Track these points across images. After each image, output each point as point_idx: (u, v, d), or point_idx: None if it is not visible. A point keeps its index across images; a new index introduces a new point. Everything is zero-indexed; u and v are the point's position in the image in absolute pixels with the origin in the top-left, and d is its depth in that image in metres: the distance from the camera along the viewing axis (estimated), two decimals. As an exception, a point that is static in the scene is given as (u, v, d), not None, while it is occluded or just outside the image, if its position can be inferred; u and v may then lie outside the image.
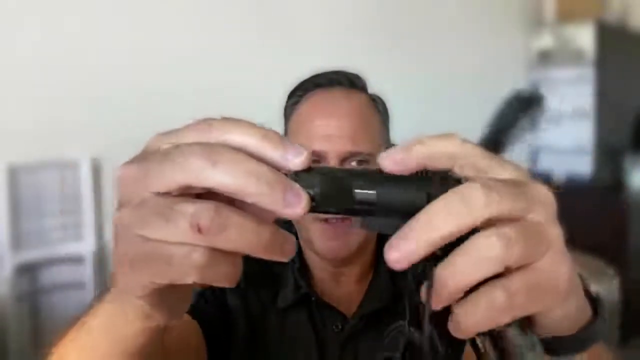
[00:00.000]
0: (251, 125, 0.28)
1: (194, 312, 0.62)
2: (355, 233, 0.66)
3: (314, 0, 2.34)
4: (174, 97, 1.94)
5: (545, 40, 3.27)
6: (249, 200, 0.26)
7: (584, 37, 3.09)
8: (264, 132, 0.28)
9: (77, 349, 0.39)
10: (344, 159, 0.65)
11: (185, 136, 0.28)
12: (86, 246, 1.79)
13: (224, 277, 0.27)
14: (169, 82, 1.93)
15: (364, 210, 0.28)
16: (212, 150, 0.26)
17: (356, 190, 0.28)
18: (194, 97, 1.99)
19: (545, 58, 3.27)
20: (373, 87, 0.74)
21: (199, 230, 0.25)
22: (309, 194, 0.27)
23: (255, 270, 0.66)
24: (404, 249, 0.26)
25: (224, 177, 0.26)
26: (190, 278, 0.26)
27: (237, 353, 0.67)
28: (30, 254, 1.70)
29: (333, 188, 0.28)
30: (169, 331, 0.38)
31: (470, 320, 0.27)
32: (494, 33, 3.11)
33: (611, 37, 3.13)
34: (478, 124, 2.97)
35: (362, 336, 0.68)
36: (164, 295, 0.30)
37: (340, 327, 0.68)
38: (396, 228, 0.27)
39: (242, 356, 0.68)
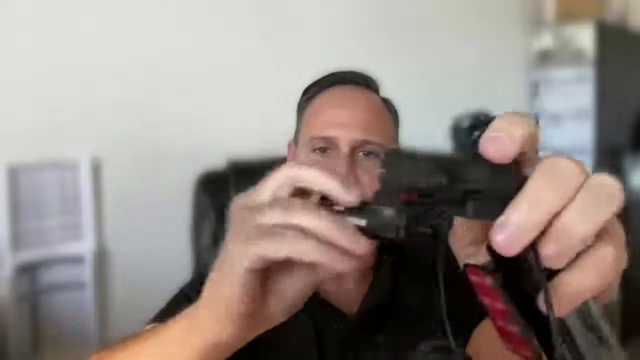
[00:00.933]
0: (314, 170, 0.36)
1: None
2: None
3: (316, 2, 2.34)
4: (174, 98, 1.94)
5: (545, 40, 3.27)
6: (329, 240, 0.34)
7: (584, 37, 3.09)
8: (324, 176, 0.35)
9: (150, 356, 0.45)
10: (355, 147, 0.66)
11: (269, 214, 0.35)
12: (86, 246, 1.79)
13: (316, 253, 0.33)
14: (169, 82, 1.93)
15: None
16: (301, 207, 0.34)
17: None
18: (194, 98, 1.99)
19: (545, 58, 3.27)
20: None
21: (286, 211, 0.34)
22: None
23: None
24: (512, 230, 0.27)
25: (316, 224, 0.33)
26: (286, 251, 0.33)
27: (237, 351, 0.67)
28: (30, 254, 1.70)
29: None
30: None
31: (585, 282, 0.28)
32: (494, 33, 3.11)
33: (611, 37, 3.13)
34: (478, 124, 2.98)
35: (363, 334, 0.68)
36: (253, 306, 0.37)
37: (340, 325, 0.68)
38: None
39: (242, 354, 0.68)
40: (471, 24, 2.92)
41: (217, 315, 0.38)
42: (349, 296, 0.70)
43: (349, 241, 0.33)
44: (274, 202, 0.34)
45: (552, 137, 3.27)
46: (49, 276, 1.74)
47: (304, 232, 0.33)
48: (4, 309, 1.64)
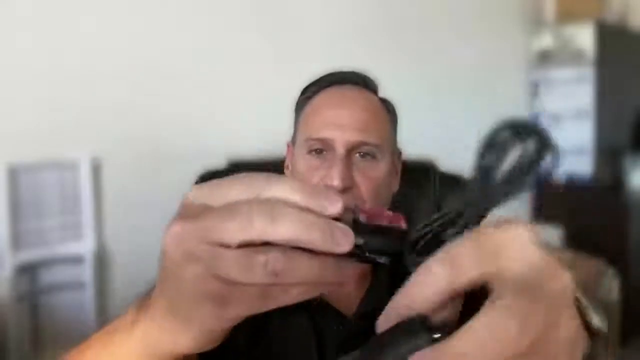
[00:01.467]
0: (289, 181, 0.32)
1: None
2: None
3: (315, 2, 2.34)
4: (174, 98, 1.94)
5: (545, 40, 3.27)
6: (306, 246, 0.30)
7: (584, 37, 3.09)
8: (300, 185, 0.31)
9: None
10: (351, 148, 0.66)
11: (228, 193, 0.32)
12: (86, 246, 1.79)
13: (297, 297, 0.32)
14: (169, 82, 1.93)
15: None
16: (270, 208, 0.30)
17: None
18: (194, 98, 1.99)
19: (545, 58, 3.27)
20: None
21: (276, 275, 0.30)
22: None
23: None
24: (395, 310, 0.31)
25: (283, 232, 0.29)
26: (264, 308, 0.33)
27: (237, 352, 0.67)
28: (30, 254, 1.70)
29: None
30: None
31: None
32: (494, 33, 3.11)
33: (611, 37, 3.13)
34: (478, 124, 2.97)
35: (362, 336, 0.68)
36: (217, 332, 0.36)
37: (340, 326, 0.68)
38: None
39: (242, 356, 0.68)
40: (471, 24, 2.92)
41: (177, 332, 0.35)
42: (349, 298, 0.70)
43: (339, 277, 0.32)
44: (252, 259, 0.30)
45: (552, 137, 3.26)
46: (49, 276, 1.74)
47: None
48: (4, 309, 1.64)
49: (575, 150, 3.15)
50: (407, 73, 2.56)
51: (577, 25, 3.12)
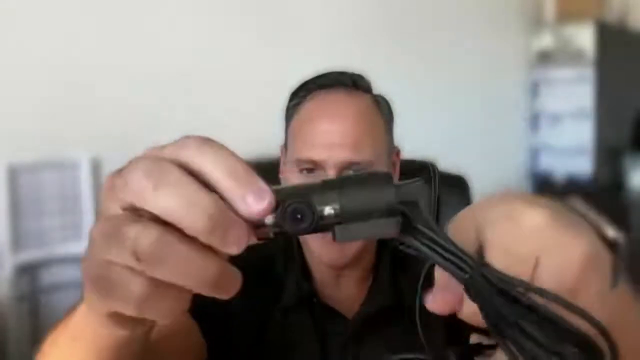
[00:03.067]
0: (224, 154, 0.26)
1: (193, 311, 0.62)
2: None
3: (316, 2, 2.34)
4: (174, 98, 1.94)
5: (545, 40, 3.27)
6: (190, 233, 0.24)
7: (584, 37, 3.10)
8: (234, 165, 0.26)
9: (60, 349, 0.40)
10: (343, 168, 0.64)
11: (162, 152, 0.27)
12: (86, 246, 1.79)
13: (164, 313, 0.26)
14: (169, 82, 1.93)
15: (332, 223, 0.27)
16: (158, 170, 0.25)
17: (318, 208, 0.27)
18: (194, 98, 1.99)
19: (545, 58, 3.27)
20: (373, 88, 0.73)
21: (137, 258, 0.24)
22: (265, 222, 0.26)
23: (257, 270, 0.66)
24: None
25: (164, 203, 0.24)
26: (128, 310, 0.25)
27: (239, 354, 0.67)
28: (30, 254, 1.70)
29: (293, 212, 0.26)
30: (171, 335, 0.37)
31: None
32: (494, 33, 3.11)
33: (611, 37, 3.14)
34: (478, 124, 2.98)
35: (364, 337, 0.68)
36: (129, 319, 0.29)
37: (341, 328, 0.68)
38: (371, 229, 0.27)
39: (243, 357, 0.68)
40: (471, 24, 2.92)
41: (96, 320, 0.32)
42: (350, 299, 0.70)
43: (219, 293, 0.25)
44: (120, 234, 0.24)
45: (552, 137, 3.27)
46: (49, 276, 1.74)
47: (153, 287, 0.25)
48: (4, 309, 1.64)
49: (575, 150, 3.15)
50: (407, 73, 2.56)
51: (577, 25, 3.12)
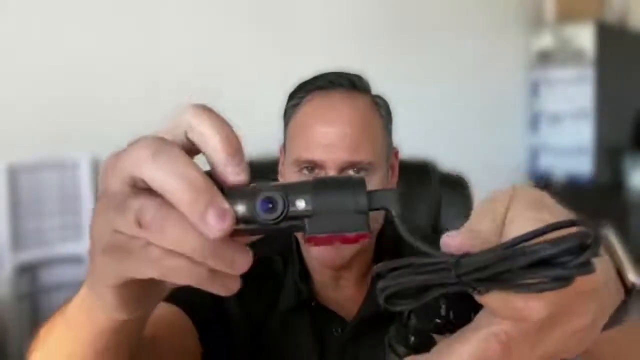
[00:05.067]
0: (212, 117, 0.28)
1: (190, 311, 0.62)
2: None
3: (315, 1, 2.34)
4: (174, 98, 1.94)
5: (545, 40, 3.27)
6: (174, 203, 0.26)
7: (584, 37, 3.10)
8: (220, 130, 0.27)
9: (55, 335, 0.41)
10: (342, 169, 0.64)
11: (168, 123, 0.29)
12: (86, 246, 1.78)
13: (185, 275, 0.26)
14: (169, 82, 1.93)
15: (303, 216, 0.28)
16: (158, 144, 0.27)
17: (290, 199, 0.27)
18: (193, 98, 1.99)
19: (545, 58, 3.27)
20: (373, 88, 0.73)
21: (140, 225, 0.26)
22: (237, 213, 0.27)
23: (256, 272, 0.66)
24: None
25: (156, 173, 0.26)
26: (149, 270, 0.27)
27: (237, 355, 0.67)
28: (30, 254, 1.70)
29: (264, 200, 0.27)
30: (167, 336, 0.38)
31: None
32: (494, 33, 3.11)
33: (611, 37, 3.13)
34: (478, 124, 2.97)
35: (362, 340, 0.68)
36: (133, 290, 0.31)
37: (340, 330, 0.68)
38: (342, 224, 0.27)
39: (242, 358, 0.68)
40: (471, 24, 2.92)
41: (97, 305, 0.34)
42: (349, 301, 0.70)
43: (226, 264, 0.26)
44: (125, 207, 0.26)
45: (552, 137, 3.27)
46: (49, 276, 1.74)
47: (169, 249, 0.26)
48: (4, 309, 1.64)
49: (575, 150, 3.15)
50: (406, 73, 2.56)
51: (577, 25, 3.12)
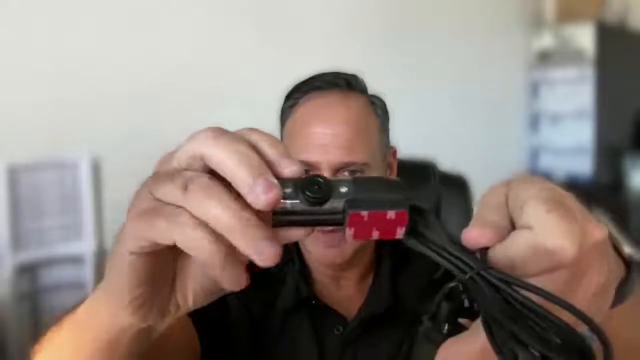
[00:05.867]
0: (265, 132, 0.31)
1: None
2: (349, 241, 0.66)
3: (315, 1, 2.34)
4: (174, 98, 1.94)
5: (545, 40, 3.27)
6: (228, 174, 0.28)
7: (584, 37, 3.10)
8: (274, 139, 0.30)
9: (61, 337, 0.40)
10: (337, 170, 0.64)
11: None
12: (86, 246, 1.79)
13: (202, 247, 0.27)
14: (169, 82, 1.93)
15: (341, 204, 0.29)
16: (222, 130, 0.30)
17: (333, 185, 0.29)
18: (193, 97, 1.99)
19: (545, 58, 3.27)
20: (372, 88, 0.73)
21: (186, 189, 0.28)
22: (284, 191, 0.28)
23: (255, 270, 0.66)
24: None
25: (216, 150, 0.28)
26: (173, 235, 0.28)
27: (237, 354, 0.67)
28: (30, 254, 1.70)
29: (309, 180, 0.29)
30: (164, 335, 0.38)
31: None
32: (494, 33, 3.11)
33: (611, 37, 3.14)
34: (478, 124, 2.98)
35: (363, 339, 0.68)
36: (147, 278, 0.31)
37: (340, 329, 0.68)
38: (382, 203, 0.28)
39: (242, 357, 0.68)
40: (471, 24, 2.92)
41: (108, 303, 0.33)
42: (349, 300, 0.70)
43: (252, 247, 0.27)
44: (178, 175, 0.29)
45: (552, 137, 3.27)
46: (49, 276, 1.74)
47: (199, 220, 0.28)
48: (4, 309, 1.64)
49: (575, 150, 3.15)
50: (407, 73, 2.56)
51: (577, 25, 3.12)
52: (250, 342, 0.68)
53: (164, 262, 0.30)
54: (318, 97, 0.68)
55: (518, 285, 0.27)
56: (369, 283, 0.71)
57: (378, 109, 0.70)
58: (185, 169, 0.29)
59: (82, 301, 0.38)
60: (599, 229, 0.29)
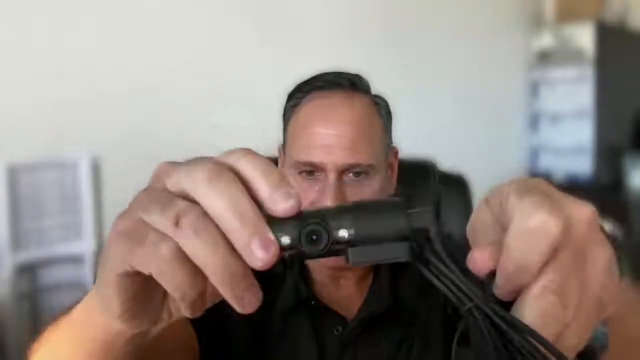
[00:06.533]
0: (259, 157, 0.29)
1: None
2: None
3: (315, 1, 2.34)
4: (174, 98, 1.94)
5: (545, 40, 3.27)
6: (222, 228, 0.27)
7: (584, 37, 3.10)
8: (267, 168, 0.29)
9: (58, 336, 0.41)
10: (342, 171, 0.64)
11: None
12: (86, 246, 1.79)
13: (177, 285, 0.27)
14: (169, 82, 1.93)
15: (345, 247, 0.29)
16: (217, 171, 0.28)
17: (333, 231, 0.29)
18: (193, 97, 1.99)
19: (545, 58, 3.27)
20: (373, 88, 0.73)
21: (177, 223, 0.27)
22: (281, 243, 0.28)
23: (256, 271, 0.66)
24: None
25: (210, 198, 0.27)
26: (150, 266, 0.28)
27: (237, 353, 0.67)
28: (30, 254, 1.70)
29: (309, 233, 0.28)
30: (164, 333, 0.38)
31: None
32: (494, 33, 3.11)
33: (611, 37, 3.14)
34: (478, 124, 2.98)
35: (363, 340, 0.68)
36: (134, 292, 0.31)
37: (340, 330, 0.68)
38: (384, 253, 0.28)
39: (241, 357, 0.67)
40: (471, 24, 2.92)
41: (101, 310, 0.33)
42: (349, 301, 0.69)
43: (233, 297, 0.27)
44: (171, 205, 0.28)
45: (552, 137, 3.27)
46: (49, 276, 1.74)
47: (181, 253, 0.27)
48: (4, 309, 1.64)
49: (575, 150, 3.15)
50: (406, 73, 2.56)
51: (577, 25, 3.12)
52: (250, 343, 0.68)
53: (153, 279, 0.30)
54: (321, 97, 0.68)
55: (514, 325, 0.27)
56: (369, 283, 0.71)
57: (382, 109, 0.70)
58: (179, 197, 0.28)
59: (79, 301, 0.38)
60: (585, 205, 0.29)
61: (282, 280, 0.70)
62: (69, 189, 1.78)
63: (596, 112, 3.08)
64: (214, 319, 0.66)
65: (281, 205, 0.28)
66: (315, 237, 0.28)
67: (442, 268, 0.29)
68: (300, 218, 0.28)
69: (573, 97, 3.16)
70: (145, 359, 0.41)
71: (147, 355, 0.41)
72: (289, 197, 0.28)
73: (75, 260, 1.78)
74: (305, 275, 0.70)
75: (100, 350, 0.37)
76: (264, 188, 0.28)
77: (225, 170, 0.28)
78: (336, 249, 0.29)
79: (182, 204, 0.28)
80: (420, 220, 0.29)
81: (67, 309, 0.40)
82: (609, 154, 3.12)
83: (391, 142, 0.72)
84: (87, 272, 1.78)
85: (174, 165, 0.30)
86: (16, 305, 1.66)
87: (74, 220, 1.79)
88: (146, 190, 0.30)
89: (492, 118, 3.09)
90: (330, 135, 0.64)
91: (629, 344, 0.46)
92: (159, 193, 0.29)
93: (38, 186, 1.72)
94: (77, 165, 1.78)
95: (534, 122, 3.33)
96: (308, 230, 0.28)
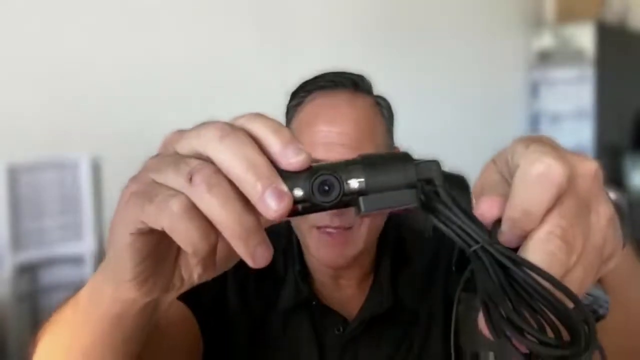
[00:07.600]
0: (269, 118, 0.30)
1: (192, 307, 0.62)
2: (352, 242, 0.65)
3: (315, 1, 2.34)
4: (174, 98, 1.94)
5: (545, 40, 3.27)
6: (236, 182, 0.27)
7: (584, 37, 3.10)
8: (277, 126, 0.29)
9: (64, 320, 0.41)
10: None
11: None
12: (86, 246, 1.79)
13: (189, 239, 0.27)
14: (169, 82, 1.93)
15: (356, 196, 0.29)
16: (228, 128, 0.28)
17: (345, 183, 0.29)
18: (193, 97, 1.99)
19: (545, 58, 3.27)
20: (373, 88, 0.73)
21: (190, 179, 0.27)
22: (294, 195, 0.28)
23: (257, 270, 0.66)
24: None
25: (222, 153, 0.28)
26: (161, 220, 0.28)
27: (237, 352, 0.67)
28: (30, 254, 1.70)
29: (321, 183, 0.29)
30: (168, 325, 0.38)
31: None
32: (494, 33, 3.11)
33: (611, 37, 3.14)
34: (478, 124, 2.98)
35: (363, 340, 0.68)
36: (146, 252, 0.31)
37: (341, 330, 0.68)
38: (393, 200, 0.29)
39: (242, 356, 0.68)
40: (471, 24, 2.92)
41: (112, 279, 0.33)
42: (350, 300, 0.69)
43: (247, 252, 0.27)
44: (183, 163, 0.28)
45: (552, 137, 3.27)
46: (49, 276, 1.74)
47: (192, 208, 0.27)
48: (4, 309, 1.64)
49: (575, 150, 3.15)
50: (407, 73, 2.56)
51: (577, 25, 3.12)
52: (251, 342, 0.68)
53: (166, 238, 0.30)
54: (324, 96, 0.68)
55: (521, 264, 0.27)
56: (369, 283, 0.71)
57: (384, 110, 0.70)
58: (191, 157, 0.29)
59: (75, 295, 0.38)
60: (590, 160, 0.30)
61: (283, 280, 0.70)
62: (69, 189, 1.78)
63: (596, 112, 3.08)
64: (217, 318, 0.66)
65: (293, 159, 0.28)
66: (327, 187, 0.29)
67: (448, 213, 0.29)
68: (310, 171, 0.29)
69: (573, 97, 3.16)
70: (152, 353, 0.41)
71: (154, 349, 0.41)
72: (300, 151, 0.29)
73: (75, 260, 1.78)
74: (305, 275, 0.70)
75: (109, 326, 0.36)
76: (275, 143, 0.29)
77: (235, 128, 0.29)
78: (347, 199, 0.29)
79: (195, 161, 0.28)
80: (427, 169, 0.31)
81: (65, 301, 0.41)
82: (609, 154, 3.12)
83: (393, 143, 0.72)
84: (87, 272, 1.78)
85: (182, 131, 0.30)
86: (16, 305, 1.66)
87: (74, 220, 1.79)
88: (155, 156, 0.31)
89: (492, 118, 3.09)
90: (332, 132, 0.64)
91: (628, 311, 0.47)
92: (170, 156, 0.30)
93: (38, 186, 1.72)
94: (77, 165, 1.78)
95: (534, 122, 3.33)
96: (320, 180, 0.29)
